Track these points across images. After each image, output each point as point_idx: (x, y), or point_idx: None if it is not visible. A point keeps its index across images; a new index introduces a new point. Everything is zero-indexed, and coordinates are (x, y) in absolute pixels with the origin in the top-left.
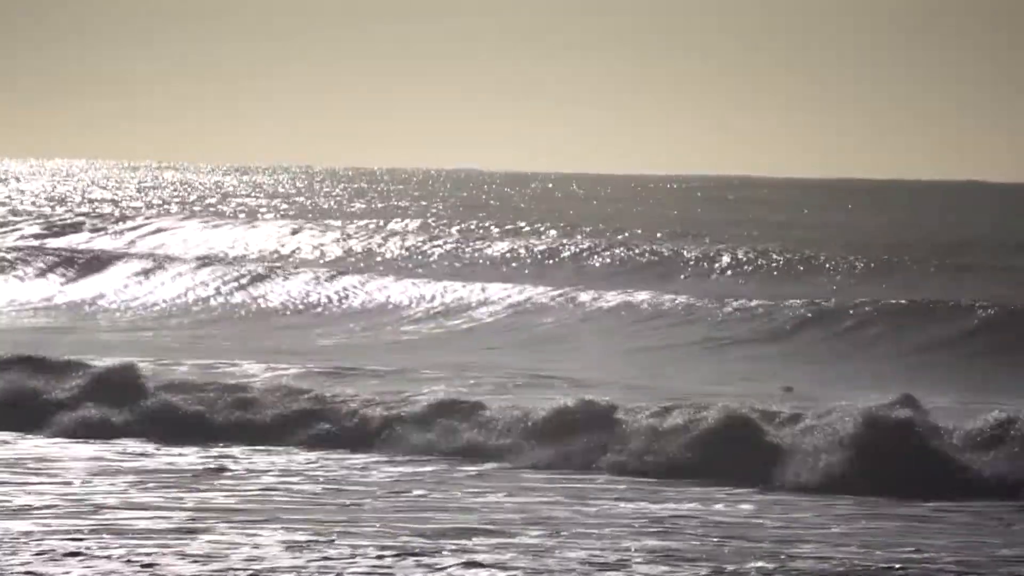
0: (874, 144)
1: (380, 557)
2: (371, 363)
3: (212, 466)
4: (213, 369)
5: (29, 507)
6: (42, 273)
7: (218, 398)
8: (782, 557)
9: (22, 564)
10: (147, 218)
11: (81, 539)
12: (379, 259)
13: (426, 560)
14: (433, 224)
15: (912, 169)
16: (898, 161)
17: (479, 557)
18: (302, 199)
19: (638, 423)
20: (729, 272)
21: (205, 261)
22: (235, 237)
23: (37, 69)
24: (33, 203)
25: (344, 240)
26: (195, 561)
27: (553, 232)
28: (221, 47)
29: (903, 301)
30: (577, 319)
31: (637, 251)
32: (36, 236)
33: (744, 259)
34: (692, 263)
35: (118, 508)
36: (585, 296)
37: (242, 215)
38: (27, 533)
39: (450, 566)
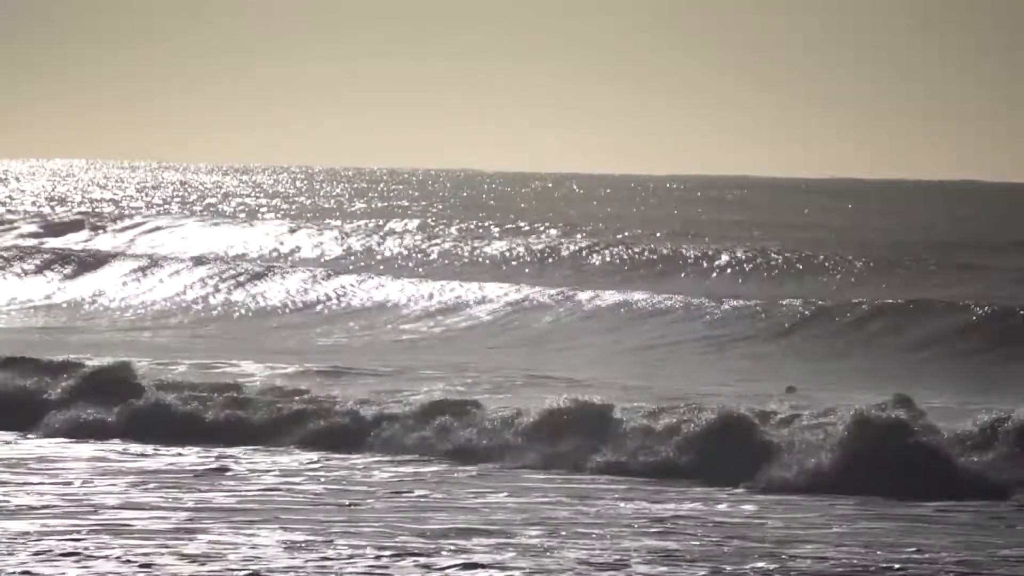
0: (874, 144)
1: (378, 557)
2: (370, 363)
3: (213, 466)
4: (212, 369)
5: (28, 507)
6: (40, 272)
7: (216, 398)
8: (783, 557)
9: (19, 564)
10: (146, 217)
11: (79, 539)
12: (378, 258)
13: (425, 560)
14: (433, 224)
15: (912, 169)
16: (898, 161)
17: (479, 558)
18: (302, 199)
19: (634, 423)
20: (728, 271)
21: (204, 260)
22: (234, 236)
23: (37, 69)
24: (33, 203)
25: (343, 239)
26: (193, 561)
27: (553, 232)
28: (221, 47)
29: (902, 301)
30: (576, 318)
31: (636, 250)
32: (35, 235)
33: (743, 258)
34: (691, 262)
35: (117, 508)
36: (584, 295)
37: (242, 215)
38: (25, 533)
39: (449, 567)
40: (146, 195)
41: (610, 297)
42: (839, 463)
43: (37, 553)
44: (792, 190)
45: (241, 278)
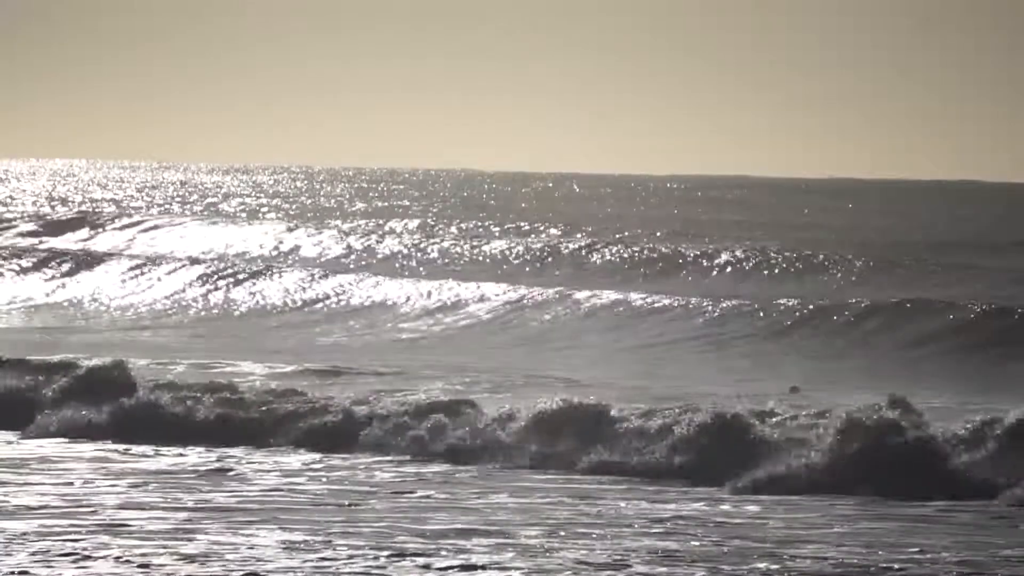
0: (874, 144)
1: (377, 558)
2: (370, 362)
3: (214, 467)
4: (210, 369)
5: (26, 507)
6: (39, 271)
7: (211, 398)
8: (783, 557)
9: (16, 564)
10: (146, 217)
11: (77, 540)
12: (378, 258)
13: (424, 561)
14: (432, 223)
15: (912, 169)
16: (898, 161)
17: (478, 558)
18: (303, 199)
19: (629, 423)
20: (728, 271)
21: (203, 260)
22: (234, 236)
23: (37, 69)
24: (34, 202)
25: (343, 239)
26: (192, 561)
27: (552, 231)
28: (221, 47)
29: (902, 300)
30: (575, 318)
31: (636, 250)
32: (34, 234)
33: (743, 258)
34: (691, 262)
35: (116, 508)
36: (583, 295)
37: (242, 215)
38: (23, 534)
39: (448, 567)
40: (146, 195)
41: (609, 296)
42: (828, 463)
43: (35, 553)
44: (792, 190)
45: (241, 277)
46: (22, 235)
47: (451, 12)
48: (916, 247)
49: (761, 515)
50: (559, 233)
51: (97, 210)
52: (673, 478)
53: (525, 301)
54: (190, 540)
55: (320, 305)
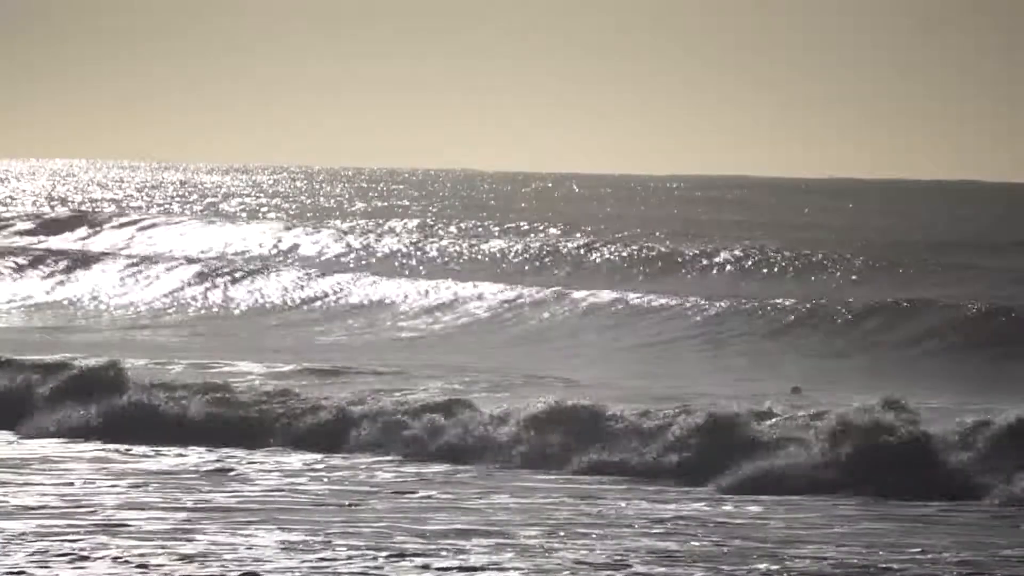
0: (874, 144)
1: (375, 558)
2: (369, 362)
3: (215, 467)
4: (209, 368)
5: (25, 507)
6: (38, 271)
7: (207, 398)
8: (784, 558)
9: (13, 565)
10: (145, 216)
11: (75, 540)
12: (377, 257)
13: (423, 561)
14: (432, 223)
15: (912, 169)
16: (898, 161)
17: (478, 559)
18: (303, 198)
19: (624, 423)
20: (727, 270)
21: (202, 259)
22: (233, 235)
23: (37, 69)
24: (34, 202)
25: (343, 238)
26: (191, 561)
27: (552, 231)
28: (221, 47)
29: (902, 300)
30: (574, 317)
31: (635, 249)
32: (33, 233)
33: (743, 257)
34: (690, 261)
35: (115, 509)
36: (583, 294)
37: (241, 214)
38: (21, 534)
39: (447, 568)
40: (146, 195)
41: (608, 296)
42: (823, 463)
43: (32, 554)
44: (792, 190)
45: (240, 276)
46: (21, 234)
47: (451, 12)
48: (916, 247)
49: (761, 515)
50: (558, 233)
51: (96, 209)
52: (669, 478)
53: (524, 300)
54: (189, 540)
55: (319, 304)
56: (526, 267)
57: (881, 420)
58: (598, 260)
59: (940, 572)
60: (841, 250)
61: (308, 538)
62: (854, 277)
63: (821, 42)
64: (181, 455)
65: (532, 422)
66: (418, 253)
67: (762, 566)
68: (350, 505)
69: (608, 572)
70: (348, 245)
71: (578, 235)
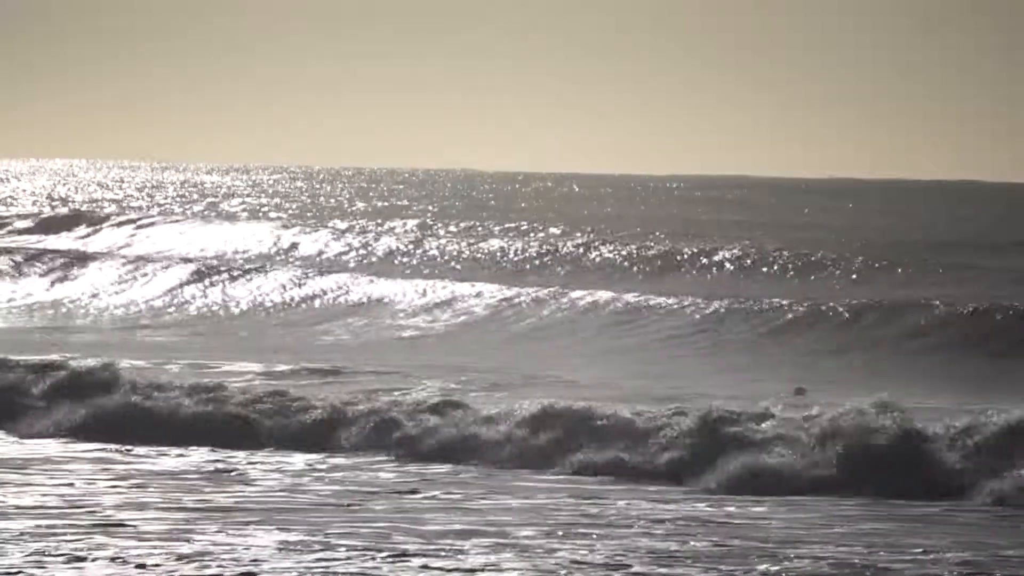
0: (874, 144)
1: (374, 559)
2: (367, 361)
3: (215, 468)
4: (206, 368)
5: (24, 507)
6: (37, 270)
7: (203, 398)
8: (784, 558)
9: (10, 566)
10: (144, 215)
11: (73, 540)
12: (377, 257)
13: (421, 562)
14: (431, 223)
15: (912, 169)
16: (898, 161)
17: (477, 559)
18: (303, 198)
19: (624, 424)
20: (727, 270)
21: (202, 259)
22: (233, 235)
23: (37, 69)
24: (34, 202)
25: (343, 238)
26: (190, 561)
27: (552, 231)
28: (221, 47)
29: (902, 300)
30: (574, 317)
31: (635, 249)
32: (32, 232)
33: (743, 256)
34: (690, 261)
35: (114, 509)
36: (582, 294)
37: (242, 214)
38: (19, 534)
39: (446, 568)
40: (146, 194)
41: (608, 295)
42: (820, 464)
43: (30, 554)
44: (792, 190)
45: (239, 276)
46: (20, 233)
47: (451, 12)
48: (916, 247)
49: (761, 515)
50: (558, 232)
51: (96, 209)
52: (668, 478)
53: (524, 300)
54: (187, 541)
55: (318, 303)
56: (526, 267)
57: (880, 420)
58: (597, 260)
59: (941, 572)
60: (841, 250)
61: (307, 538)
62: (854, 277)
63: (821, 42)
64: (181, 455)
65: (529, 422)
66: (418, 252)
67: (762, 566)
68: (349, 505)
69: (608, 572)
70: (348, 244)
71: (578, 235)
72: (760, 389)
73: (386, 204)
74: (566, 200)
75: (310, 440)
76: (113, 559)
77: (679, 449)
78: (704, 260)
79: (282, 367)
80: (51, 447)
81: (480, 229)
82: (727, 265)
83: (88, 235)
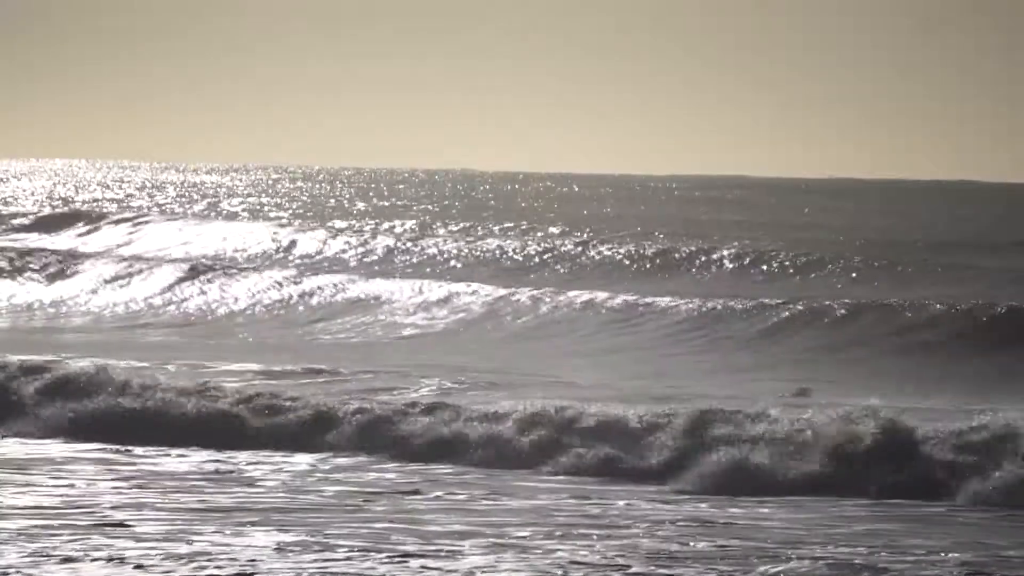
0: (874, 144)
1: (373, 559)
2: (365, 361)
3: (215, 468)
4: (204, 368)
5: (23, 507)
6: (35, 269)
7: (201, 398)
8: (784, 558)
9: (7, 566)
10: (144, 215)
11: (72, 540)
12: (376, 256)
13: (420, 563)
14: (431, 222)
15: (912, 169)
16: (898, 161)
17: (476, 560)
18: (303, 198)
19: (623, 424)
20: (727, 270)
21: (201, 258)
22: (232, 234)
23: (37, 69)
24: (33, 202)
25: (341, 237)
26: (189, 562)
27: (551, 230)
28: (221, 47)
29: (902, 300)
30: (573, 317)
31: (634, 249)
32: (31, 231)
33: (742, 255)
34: (689, 261)
35: (112, 509)
36: (582, 293)
37: (242, 214)
38: (17, 534)
39: (445, 569)
40: (146, 194)
41: (607, 295)
42: (820, 464)
43: (29, 555)
44: (792, 190)
45: (238, 275)
46: (19, 232)
47: (451, 12)
48: (916, 247)
49: (761, 515)
50: (558, 232)
51: (95, 209)
52: (668, 478)
53: (522, 299)
54: (186, 541)
55: (317, 302)
56: (526, 266)
57: (878, 421)
58: (597, 259)
59: (941, 573)
60: (841, 250)
61: (306, 539)
62: (854, 276)
63: (821, 42)
64: (182, 456)
65: (525, 422)
66: (416, 251)
67: (762, 567)
68: (351, 506)
69: (608, 572)
70: (346, 243)
71: (577, 234)
72: (760, 389)
73: (386, 204)
74: (566, 200)
75: (310, 440)
76: (110, 559)
77: (677, 449)
78: (703, 259)
79: (282, 367)
80: (51, 447)
81: (480, 229)
82: (726, 264)
83: (86, 234)
